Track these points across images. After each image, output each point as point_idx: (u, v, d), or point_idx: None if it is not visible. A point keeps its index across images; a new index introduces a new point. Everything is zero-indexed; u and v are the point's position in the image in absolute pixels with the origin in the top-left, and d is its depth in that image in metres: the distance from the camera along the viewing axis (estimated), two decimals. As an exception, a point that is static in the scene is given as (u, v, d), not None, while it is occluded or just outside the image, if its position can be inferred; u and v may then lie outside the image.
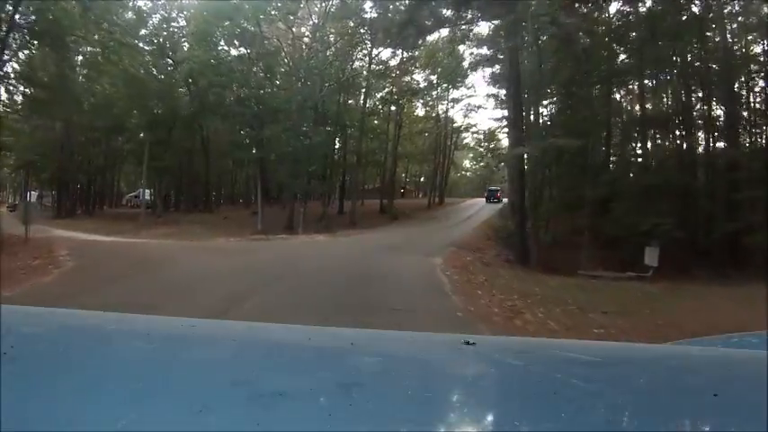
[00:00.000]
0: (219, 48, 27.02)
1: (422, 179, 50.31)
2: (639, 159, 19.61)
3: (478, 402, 0.76)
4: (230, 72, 25.99)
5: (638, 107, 20.09)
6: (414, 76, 33.99)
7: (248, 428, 0.58)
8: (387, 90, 32.89)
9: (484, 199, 38.24)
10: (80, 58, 25.86)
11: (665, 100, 19.60)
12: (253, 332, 1.10)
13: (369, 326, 1.36)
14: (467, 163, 59.95)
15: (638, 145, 19.82)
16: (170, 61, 26.96)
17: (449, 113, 39.36)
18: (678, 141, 18.85)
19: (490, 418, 0.70)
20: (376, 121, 33.15)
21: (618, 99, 20.53)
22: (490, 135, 33.99)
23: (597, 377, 0.86)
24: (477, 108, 38.45)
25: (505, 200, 37.35)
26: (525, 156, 18.98)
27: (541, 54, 18.14)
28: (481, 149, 54.13)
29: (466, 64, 33.05)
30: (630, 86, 19.96)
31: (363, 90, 30.31)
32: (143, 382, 0.70)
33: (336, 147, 30.94)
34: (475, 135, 43.67)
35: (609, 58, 18.67)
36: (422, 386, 0.78)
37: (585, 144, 17.17)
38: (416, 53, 33.66)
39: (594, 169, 17.99)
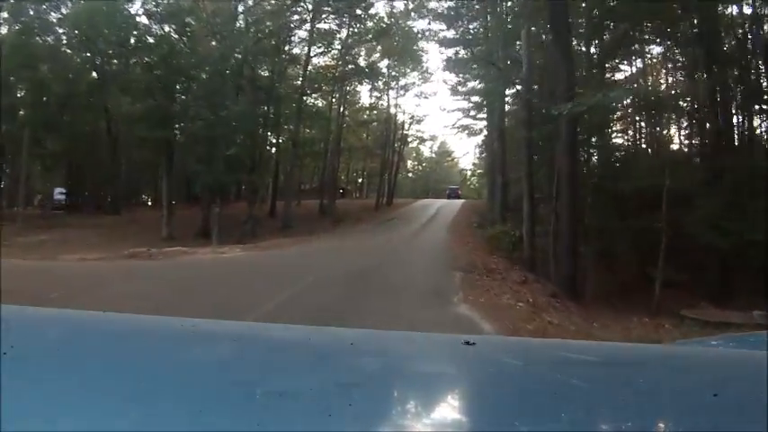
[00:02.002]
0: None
1: (361, 179, 46.77)
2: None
3: (478, 402, 0.75)
4: (131, 28, 19.63)
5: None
6: (360, 59, 29.16)
7: (248, 428, 0.57)
8: (330, 67, 27.52)
9: (434, 199, 38.83)
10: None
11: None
12: (253, 332, 1.11)
13: None
14: (409, 163, 59.33)
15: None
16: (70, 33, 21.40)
17: (398, 102, 34.91)
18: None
19: (490, 418, 0.68)
20: (314, 103, 27.69)
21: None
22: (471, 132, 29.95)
23: (597, 377, 0.85)
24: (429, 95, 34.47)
25: (464, 200, 35.00)
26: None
27: None
28: (427, 148, 51.90)
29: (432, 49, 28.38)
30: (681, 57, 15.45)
31: (302, 62, 24.74)
32: (143, 382, 0.69)
33: (270, 135, 25.32)
34: (419, 132, 41.37)
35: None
36: (422, 386, 0.77)
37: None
38: (364, 26, 28.49)
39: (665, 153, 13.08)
